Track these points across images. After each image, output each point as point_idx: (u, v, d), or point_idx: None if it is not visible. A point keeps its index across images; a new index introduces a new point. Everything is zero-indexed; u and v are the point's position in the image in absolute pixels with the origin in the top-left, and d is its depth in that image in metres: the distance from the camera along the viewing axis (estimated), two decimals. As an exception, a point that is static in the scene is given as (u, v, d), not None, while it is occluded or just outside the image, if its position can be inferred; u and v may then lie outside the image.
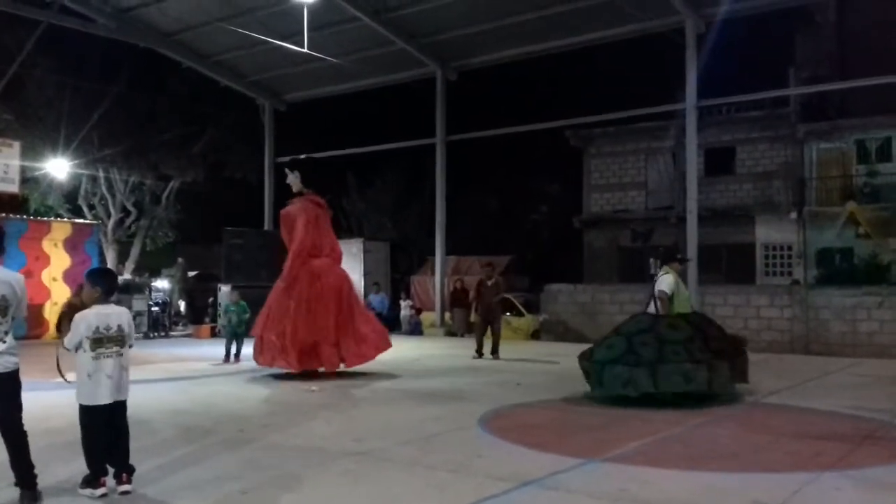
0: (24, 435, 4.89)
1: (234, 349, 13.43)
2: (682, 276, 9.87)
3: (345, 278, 11.38)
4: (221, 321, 14.52)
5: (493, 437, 6.97)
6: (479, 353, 13.85)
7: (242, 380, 11.15)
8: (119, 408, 5.09)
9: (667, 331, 8.59)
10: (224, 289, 20.40)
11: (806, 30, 24.15)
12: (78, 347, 5.00)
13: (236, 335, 13.55)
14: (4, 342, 4.82)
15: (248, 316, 13.68)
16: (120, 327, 5.08)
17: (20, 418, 4.91)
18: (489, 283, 14.23)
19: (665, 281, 9.44)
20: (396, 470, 5.76)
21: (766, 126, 24.16)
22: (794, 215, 23.02)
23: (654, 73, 21.91)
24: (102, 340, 4.99)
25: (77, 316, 5.04)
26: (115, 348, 5.04)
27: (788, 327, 16.56)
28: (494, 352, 13.71)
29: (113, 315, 5.09)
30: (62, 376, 5.77)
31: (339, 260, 11.60)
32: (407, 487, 5.27)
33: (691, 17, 17.09)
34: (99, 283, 5.20)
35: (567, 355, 14.27)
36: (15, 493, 4.83)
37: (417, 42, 20.26)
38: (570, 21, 18.40)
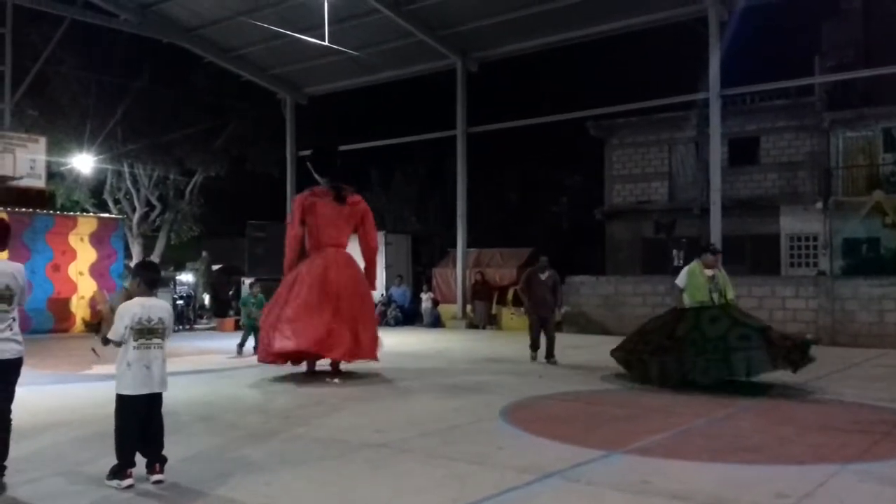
0: (8, 423, 4.96)
1: (251, 343, 13.34)
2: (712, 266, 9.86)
3: (330, 267, 10.47)
4: (243, 315, 14.35)
5: (515, 429, 6.96)
6: (536, 352, 12.35)
7: (266, 373, 11.12)
8: (156, 399, 5.18)
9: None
10: (247, 282, 20.60)
11: (832, 17, 23.82)
12: (122, 339, 5.07)
13: (254, 329, 13.39)
14: (12, 329, 4.94)
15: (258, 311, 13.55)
16: (161, 319, 5.18)
17: (10, 409, 4.98)
18: (542, 276, 12.25)
19: (682, 274, 9.87)
20: (417, 461, 5.79)
21: (791, 115, 23.84)
22: (819, 205, 22.73)
23: (677, 62, 21.71)
24: (144, 331, 5.09)
25: (121, 307, 5.14)
26: (157, 340, 5.14)
27: (814, 318, 16.40)
28: (550, 356, 12.05)
29: (155, 307, 5.20)
30: (95, 353, 5.86)
31: (342, 248, 10.85)
32: (428, 478, 5.29)
33: (714, 5, 16.89)
34: (142, 275, 5.36)
35: (588, 347, 14.35)
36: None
37: (437, 34, 20.23)
38: (592, 11, 18.28)
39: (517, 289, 12.76)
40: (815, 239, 23.38)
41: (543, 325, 12.09)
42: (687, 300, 9.77)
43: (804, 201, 23.31)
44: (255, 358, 12.23)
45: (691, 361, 8.98)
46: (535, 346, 12.28)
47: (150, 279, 5.34)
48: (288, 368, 10.95)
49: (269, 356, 10.37)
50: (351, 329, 10.19)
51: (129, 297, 5.25)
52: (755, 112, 23.99)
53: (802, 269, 23.10)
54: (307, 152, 24.01)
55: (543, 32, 19.57)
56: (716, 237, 17.01)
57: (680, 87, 19.37)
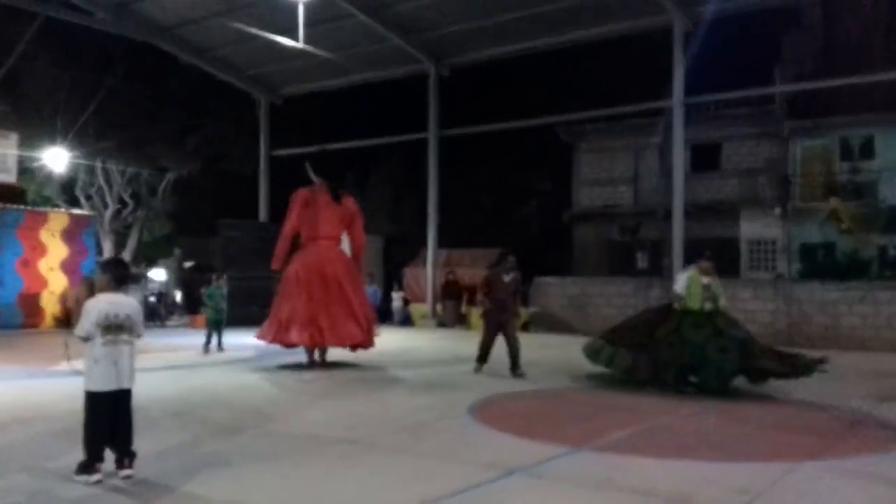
0: None
1: (215, 339, 13.44)
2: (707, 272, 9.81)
3: (328, 261, 11.41)
4: (208, 311, 13.90)
5: (482, 426, 7.07)
6: (483, 361, 10.94)
7: (237, 369, 11.31)
8: (124, 395, 5.18)
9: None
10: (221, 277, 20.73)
11: (792, 28, 24.50)
12: (89, 335, 5.11)
13: (218, 323, 13.54)
14: None
15: (225, 304, 13.83)
16: (129, 316, 5.21)
17: None
18: (506, 277, 10.92)
19: (680, 279, 9.90)
20: (386, 457, 5.88)
21: (752, 123, 24.46)
22: (778, 211, 23.37)
23: (646, 70, 22.24)
24: (112, 328, 5.11)
25: (88, 303, 5.16)
26: (124, 336, 5.17)
27: (771, 320, 16.88)
28: (515, 367, 10.64)
29: (123, 304, 5.24)
30: (69, 364, 5.97)
31: (336, 242, 11.77)
32: (396, 475, 5.37)
33: (679, 16, 17.39)
34: (110, 272, 5.39)
35: (555, 346, 14.59)
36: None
37: (411, 38, 20.53)
38: (560, 19, 18.67)
39: (478, 289, 11.54)
40: (774, 243, 24.05)
41: (503, 332, 10.74)
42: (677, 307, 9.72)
43: (763, 207, 23.93)
44: (224, 355, 12.93)
45: (664, 363, 9.18)
46: (483, 359, 10.91)
47: (118, 276, 5.37)
48: (260, 363, 11.51)
49: (280, 342, 11.28)
50: (351, 317, 11.16)
51: (92, 289, 5.37)
52: (718, 119, 24.50)
53: (761, 273, 23.71)
54: (282, 152, 24.36)
55: (514, 39, 19.94)
56: (677, 240, 17.47)
57: (647, 95, 19.91)
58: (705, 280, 9.55)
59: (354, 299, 11.31)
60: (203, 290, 19.87)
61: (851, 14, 23.18)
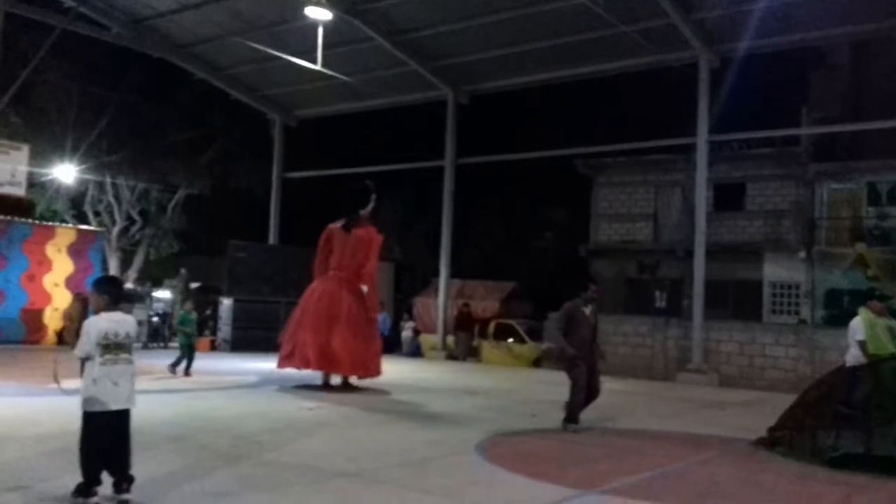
0: None
1: (184, 363, 13.24)
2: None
3: (332, 291, 12.04)
4: (180, 335, 13.91)
5: (490, 465, 6.90)
6: (576, 421, 8.87)
7: (239, 394, 11.27)
8: (124, 416, 5.07)
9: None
10: (225, 301, 20.33)
11: (820, 70, 24.14)
12: (88, 355, 4.98)
13: (191, 347, 13.40)
14: None
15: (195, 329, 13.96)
16: (128, 334, 5.12)
17: None
18: (586, 310, 8.98)
19: (856, 327, 8.66)
20: (389, 492, 5.72)
21: (777, 164, 24.06)
22: (803, 254, 22.85)
23: (669, 105, 21.86)
24: (111, 347, 5.01)
25: (86, 323, 5.08)
26: (124, 355, 5.06)
27: (793, 367, 16.40)
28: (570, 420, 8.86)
29: (122, 322, 5.15)
30: (58, 384, 5.84)
31: (356, 275, 12.28)
32: None
33: (705, 52, 17.09)
34: (107, 291, 5.29)
35: (568, 384, 14.16)
36: None
37: (430, 65, 20.29)
38: (583, 51, 18.43)
39: (556, 328, 9.20)
40: (798, 287, 23.47)
41: (590, 376, 8.90)
42: (856, 354, 8.49)
43: (788, 250, 23.43)
44: (216, 379, 13.06)
45: (880, 431, 7.34)
46: (577, 411, 8.87)
47: (114, 294, 5.30)
48: (263, 388, 11.75)
49: (285, 367, 12.03)
50: (353, 347, 11.63)
51: (85, 306, 5.21)
52: (742, 159, 24.18)
53: (784, 317, 23.16)
54: (295, 175, 24.18)
55: (535, 70, 19.70)
56: (699, 280, 17.02)
57: (670, 130, 19.51)
58: (882, 321, 8.66)
59: (351, 329, 11.67)
60: (209, 312, 19.39)
61: (879, 56, 22.77)
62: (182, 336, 13.70)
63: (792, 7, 15.37)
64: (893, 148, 21.11)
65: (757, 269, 23.92)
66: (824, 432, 7.65)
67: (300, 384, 12.15)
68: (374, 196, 12.79)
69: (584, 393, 8.82)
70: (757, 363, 16.95)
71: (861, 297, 21.47)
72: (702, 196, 17.57)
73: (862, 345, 8.55)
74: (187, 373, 13.16)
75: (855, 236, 22.06)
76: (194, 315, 14.08)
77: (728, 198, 24.66)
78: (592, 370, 8.86)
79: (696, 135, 17.40)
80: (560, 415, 8.96)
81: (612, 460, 7.49)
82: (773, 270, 23.81)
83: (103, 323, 5.06)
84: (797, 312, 23.20)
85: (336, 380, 12.12)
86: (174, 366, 13.15)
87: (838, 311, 21.57)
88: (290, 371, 12.20)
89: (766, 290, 23.96)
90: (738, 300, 23.12)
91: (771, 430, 8.34)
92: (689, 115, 17.95)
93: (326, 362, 11.62)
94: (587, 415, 9.09)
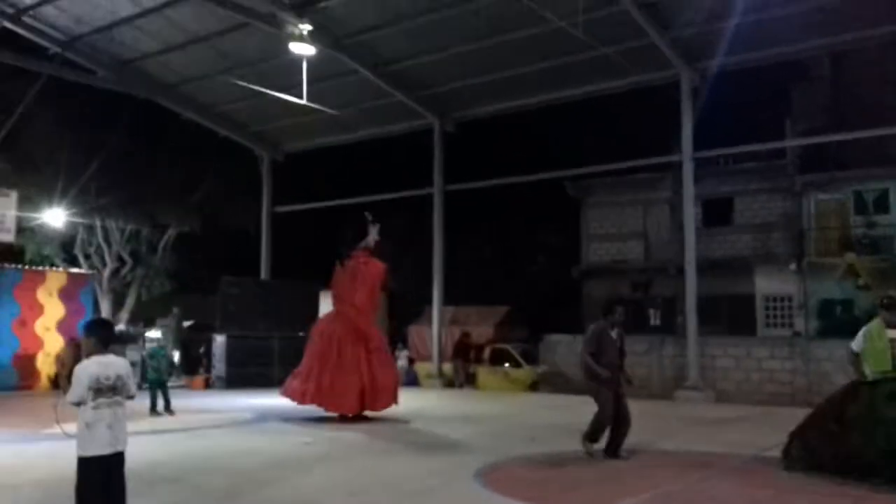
0: None
1: (161, 401, 13.03)
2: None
3: (328, 324, 12.56)
4: (149, 371, 13.51)
5: (490, 493, 6.90)
6: (596, 441, 8.72)
7: (235, 432, 11.19)
8: (117, 459, 5.02)
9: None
10: (219, 338, 20.23)
11: (802, 83, 24.36)
12: (81, 399, 4.94)
13: (161, 384, 13.17)
14: None
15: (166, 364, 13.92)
16: (119, 377, 5.07)
17: None
18: (613, 333, 8.80)
19: (856, 337, 7.86)
20: None
21: (764, 177, 24.20)
22: (793, 266, 22.90)
23: (654, 124, 22.01)
24: (103, 390, 4.97)
25: (77, 368, 5.04)
26: (116, 398, 5.02)
27: (790, 379, 16.40)
28: (617, 448, 8.66)
29: (112, 364, 5.11)
30: (61, 428, 5.80)
31: (351, 308, 12.53)
32: None
33: (686, 71, 17.26)
34: (96, 334, 5.27)
35: (566, 407, 14.13)
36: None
37: (415, 94, 20.42)
38: (566, 74, 18.56)
39: (583, 352, 8.77)
40: (791, 299, 23.49)
41: (617, 402, 8.55)
42: (867, 370, 7.73)
43: (778, 262, 23.47)
44: (211, 416, 12.95)
45: (853, 455, 7.24)
46: (599, 433, 8.64)
47: (104, 337, 5.27)
48: (259, 425, 11.66)
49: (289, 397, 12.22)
50: (357, 382, 11.73)
51: (78, 351, 5.15)
52: (729, 174, 24.31)
53: (778, 330, 23.16)
54: (284, 209, 24.22)
55: (520, 94, 19.83)
56: (690, 297, 17.02)
57: (656, 149, 19.63)
58: (892, 333, 7.58)
59: (350, 364, 11.78)
60: (202, 350, 19.19)
61: (859, 67, 23.00)
62: (151, 371, 13.34)
63: (767, 22, 15.52)
64: (877, 157, 21.29)
65: (749, 282, 23.97)
66: (818, 444, 7.61)
67: (295, 417, 12.10)
68: (372, 226, 13.20)
69: (611, 420, 8.52)
70: (753, 378, 16.95)
71: (853, 307, 21.66)
72: (690, 213, 17.64)
73: (852, 355, 7.85)
74: (168, 410, 12.92)
75: (844, 246, 22.09)
76: (164, 351, 14.14)
77: (717, 213, 24.79)
78: (619, 398, 8.55)
79: (682, 152, 17.54)
80: (560, 439, 8.92)
81: (611, 483, 7.43)
82: (765, 284, 23.85)
83: (94, 367, 5.02)
84: (791, 324, 23.20)
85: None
86: (153, 408, 12.91)
87: (831, 321, 21.59)
88: (285, 403, 12.25)
89: (759, 304, 23.98)
90: (732, 315, 23.13)
91: (792, 433, 8.08)
92: (674, 132, 18.11)
93: (371, 400, 11.93)
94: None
